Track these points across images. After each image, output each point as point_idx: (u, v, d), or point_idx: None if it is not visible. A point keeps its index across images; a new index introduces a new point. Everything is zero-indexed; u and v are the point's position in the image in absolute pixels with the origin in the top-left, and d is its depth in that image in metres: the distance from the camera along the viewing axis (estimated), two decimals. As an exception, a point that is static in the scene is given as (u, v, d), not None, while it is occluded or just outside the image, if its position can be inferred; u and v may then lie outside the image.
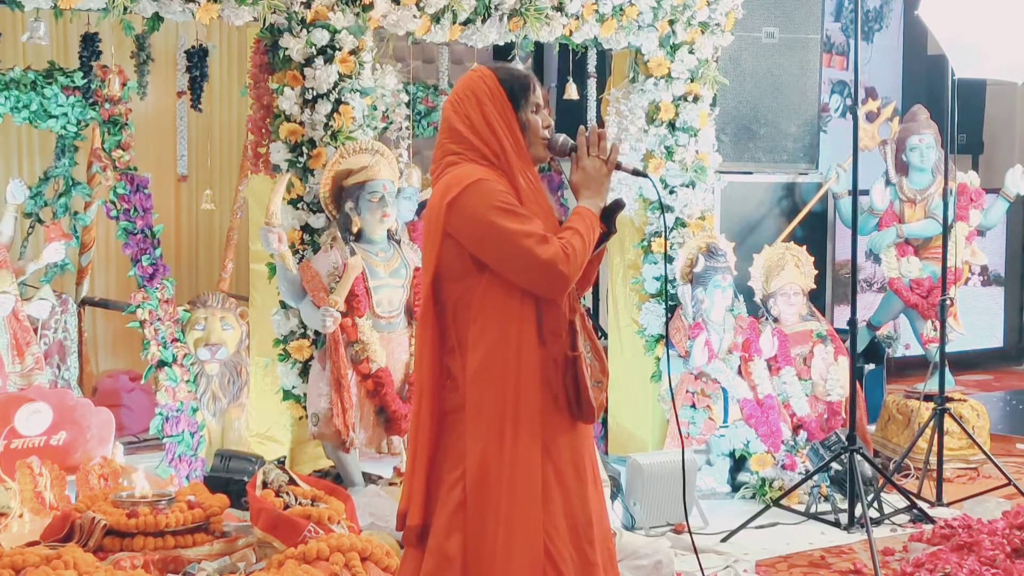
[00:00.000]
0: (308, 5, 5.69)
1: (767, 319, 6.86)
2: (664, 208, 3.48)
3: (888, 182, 7.71)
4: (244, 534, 4.77)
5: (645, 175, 3.54)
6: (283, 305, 5.83)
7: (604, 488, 3.54)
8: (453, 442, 3.30)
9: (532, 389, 3.23)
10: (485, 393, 3.25)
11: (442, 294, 3.31)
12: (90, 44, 5.96)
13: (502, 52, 6.86)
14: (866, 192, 7.59)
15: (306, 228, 5.86)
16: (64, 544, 4.55)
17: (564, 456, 3.27)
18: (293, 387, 5.87)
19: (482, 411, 3.25)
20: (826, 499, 6.04)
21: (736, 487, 6.43)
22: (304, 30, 5.68)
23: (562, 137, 3.40)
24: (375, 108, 6.00)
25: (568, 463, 3.28)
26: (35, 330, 6.21)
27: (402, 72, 6.87)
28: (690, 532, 4.37)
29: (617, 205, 3.39)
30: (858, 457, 5.77)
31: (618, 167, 3.37)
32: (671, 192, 6.65)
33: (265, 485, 4.89)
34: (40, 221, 6.63)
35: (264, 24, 5.67)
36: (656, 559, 4.88)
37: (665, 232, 3.61)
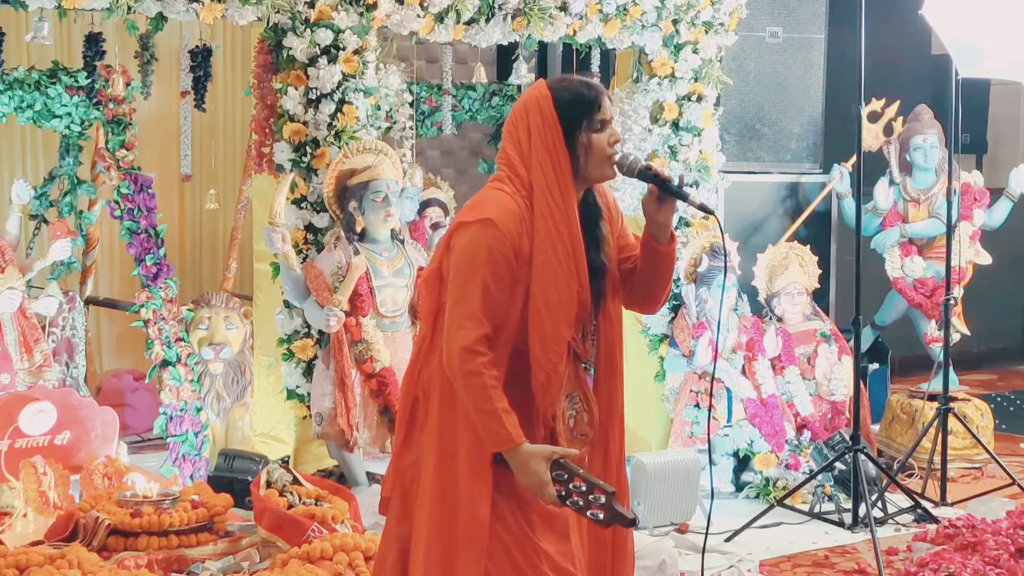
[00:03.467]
0: (312, 5, 5.69)
1: (771, 319, 6.86)
2: (723, 234, 3.34)
3: (892, 182, 7.71)
4: (248, 534, 4.77)
5: (711, 212, 3.38)
6: (287, 304, 5.83)
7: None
8: (415, 429, 3.30)
9: None
10: (445, 401, 3.22)
11: (442, 292, 3.28)
12: (94, 44, 5.97)
13: (506, 52, 6.87)
14: (870, 192, 7.58)
15: (310, 228, 5.86)
16: (68, 543, 4.56)
17: (504, 479, 3.20)
18: (297, 386, 5.87)
19: (440, 415, 3.23)
20: (830, 499, 6.03)
21: (740, 487, 6.43)
22: (308, 30, 5.69)
23: (631, 156, 3.26)
24: (379, 108, 6.01)
25: (506, 488, 3.21)
26: (43, 328, 6.21)
27: (406, 72, 6.87)
28: (728, 531, 4.36)
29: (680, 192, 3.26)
30: (862, 457, 5.76)
31: (684, 198, 3.24)
32: (675, 192, 6.65)
33: (269, 484, 4.90)
34: (45, 222, 6.64)
35: (268, 24, 5.67)
36: (660, 559, 4.89)
37: (725, 261, 3.52)
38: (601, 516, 3.10)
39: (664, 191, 3.24)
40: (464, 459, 3.19)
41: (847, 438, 6.05)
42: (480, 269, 3.12)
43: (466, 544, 3.18)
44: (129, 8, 5.34)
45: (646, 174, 3.25)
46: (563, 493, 3.10)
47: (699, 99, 6.71)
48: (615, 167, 3.25)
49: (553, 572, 3.22)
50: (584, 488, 3.09)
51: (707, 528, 3.89)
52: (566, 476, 3.10)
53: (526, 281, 3.17)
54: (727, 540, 5.64)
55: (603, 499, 3.08)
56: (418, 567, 3.24)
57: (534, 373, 3.18)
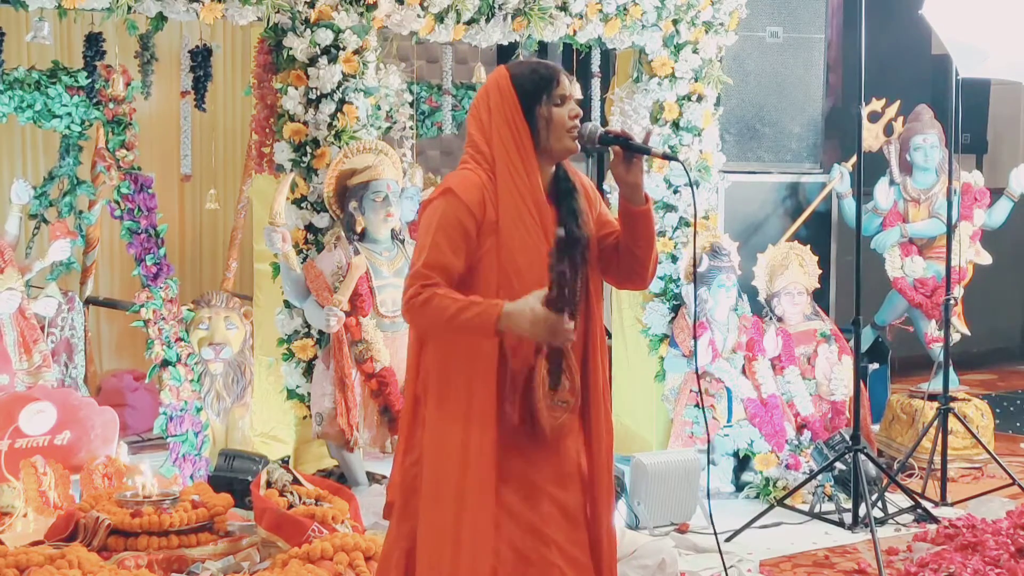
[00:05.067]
0: (312, 5, 5.69)
1: (771, 318, 6.85)
2: (693, 186, 3.37)
3: (892, 182, 7.71)
4: (248, 534, 4.77)
5: (675, 158, 3.46)
6: (287, 304, 5.83)
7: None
8: (417, 427, 3.33)
9: (487, 400, 3.20)
10: (442, 395, 3.25)
11: None
12: (94, 44, 5.96)
13: (506, 52, 6.87)
14: (870, 192, 7.58)
15: (310, 228, 5.86)
16: (68, 544, 4.56)
17: (513, 468, 3.24)
18: (297, 386, 5.87)
19: (439, 410, 3.26)
20: (830, 499, 6.03)
21: (740, 487, 6.43)
22: (308, 30, 5.69)
23: (590, 126, 3.32)
24: (379, 108, 6.01)
25: (516, 475, 3.24)
26: (42, 328, 6.21)
27: (406, 72, 6.87)
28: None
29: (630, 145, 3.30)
30: (862, 457, 5.76)
31: (647, 152, 3.29)
32: (675, 192, 6.65)
33: (269, 484, 4.90)
34: (45, 221, 6.63)
35: (268, 24, 5.67)
36: (660, 558, 4.88)
37: (695, 214, 3.56)
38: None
39: (628, 150, 3.29)
40: (466, 452, 3.20)
41: (847, 438, 6.05)
42: (431, 233, 3.21)
43: (471, 536, 3.19)
44: (129, 8, 5.34)
45: (607, 138, 3.31)
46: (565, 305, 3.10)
47: (699, 99, 6.71)
48: (576, 140, 3.30)
49: (563, 560, 3.24)
50: (561, 280, 3.09)
51: (713, 528, 3.90)
52: (557, 290, 3.09)
53: (496, 249, 3.22)
54: (727, 540, 5.64)
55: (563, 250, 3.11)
56: (424, 562, 3.25)
57: (506, 336, 3.20)
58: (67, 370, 6.46)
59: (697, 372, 5.10)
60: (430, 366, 3.28)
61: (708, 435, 4.20)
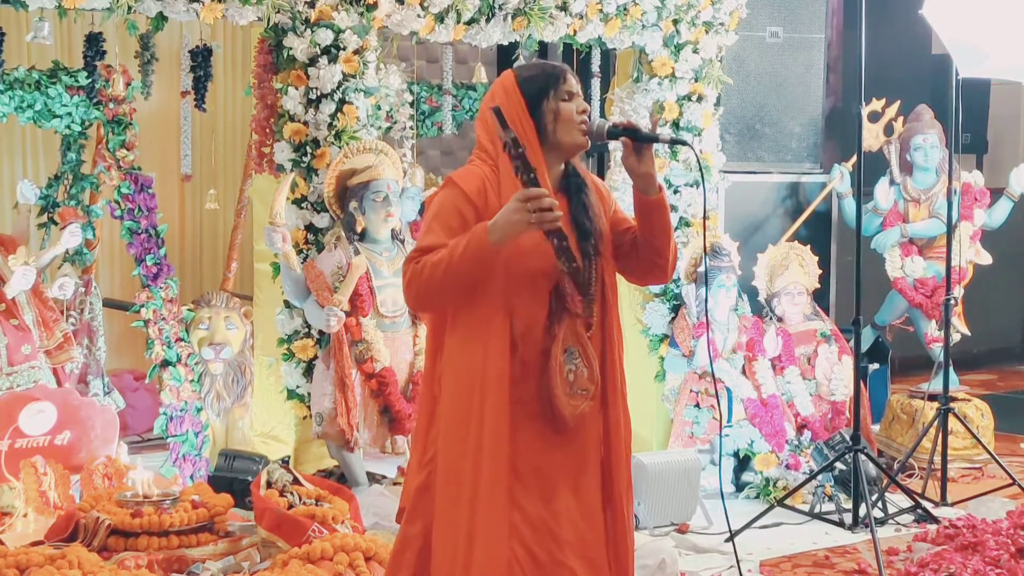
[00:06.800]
0: (312, 5, 5.69)
1: (771, 319, 6.85)
2: (703, 171, 3.42)
3: (892, 181, 7.71)
4: (248, 534, 4.77)
5: (685, 142, 3.49)
6: (287, 304, 5.84)
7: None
8: (432, 426, 3.35)
9: (499, 394, 3.22)
10: (454, 393, 3.28)
11: None
12: (94, 44, 5.96)
13: (506, 52, 6.87)
14: (870, 192, 7.58)
15: (310, 228, 5.86)
16: (68, 544, 4.56)
17: (528, 461, 3.26)
18: (297, 387, 5.87)
19: (452, 409, 3.28)
20: (830, 499, 6.03)
21: (740, 487, 6.43)
22: (308, 30, 5.69)
23: (597, 121, 3.36)
24: (379, 108, 6.01)
25: (531, 469, 3.26)
26: (62, 312, 6.20)
27: (406, 72, 6.87)
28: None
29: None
30: (862, 457, 5.76)
31: (656, 140, 3.31)
32: (675, 192, 6.65)
33: (269, 485, 4.90)
34: (55, 223, 6.61)
35: (268, 24, 5.68)
36: (660, 558, 4.88)
37: (704, 197, 3.59)
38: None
39: (638, 140, 3.32)
40: (479, 444, 3.22)
41: (847, 438, 6.05)
42: (428, 221, 3.28)
43: (485, 532, 3.20)
44: (129, 8, 5.34)
45: (614, 131, 3.34)
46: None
47: (699, 99, 6.71)
48: (586, 135, 3.34)
49: (576, 561, 3.26)
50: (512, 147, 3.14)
51: (729, 526, 3.90)
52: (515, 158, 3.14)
53: None
54: (727, 540, 5.64)
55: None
56: (439, 558, 3.26)
57: (515, 322, 3.23)
58: (91, 353, 6.45)
59: (713, 371, 5.14)
60: (446, 365, 3.31)
61: (720, 433, 4.21)
